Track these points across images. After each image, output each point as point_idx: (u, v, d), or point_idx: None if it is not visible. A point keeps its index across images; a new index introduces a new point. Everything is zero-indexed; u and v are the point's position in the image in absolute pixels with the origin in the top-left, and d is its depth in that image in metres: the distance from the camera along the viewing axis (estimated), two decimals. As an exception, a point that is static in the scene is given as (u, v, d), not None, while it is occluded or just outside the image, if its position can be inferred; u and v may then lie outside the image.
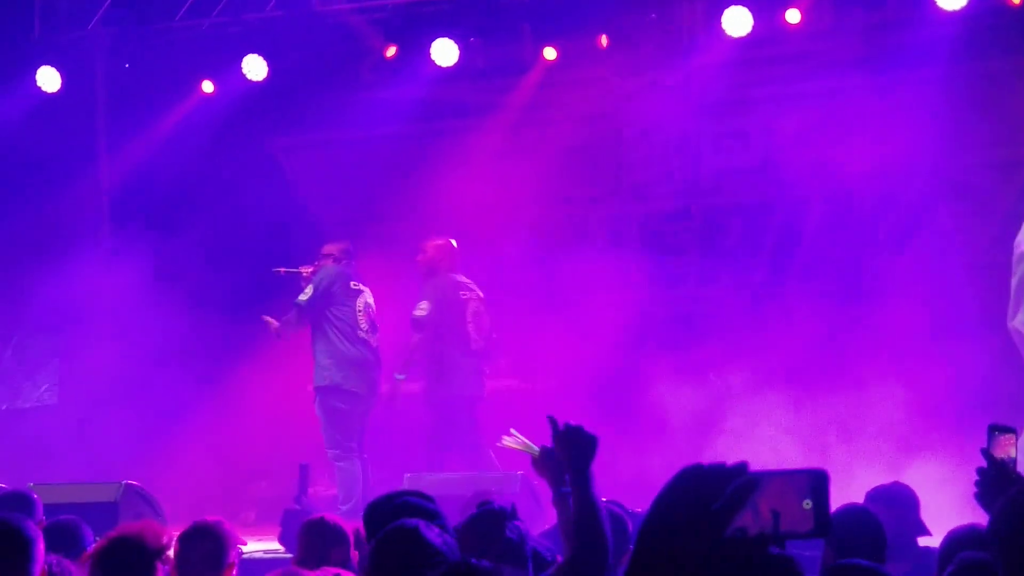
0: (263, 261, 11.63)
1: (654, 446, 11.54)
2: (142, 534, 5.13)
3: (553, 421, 4.63)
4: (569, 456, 4.57)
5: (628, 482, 9.61)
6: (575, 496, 4.57)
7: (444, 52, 13.46)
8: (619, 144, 14.01)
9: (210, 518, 6.22)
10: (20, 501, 7.13)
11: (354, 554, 6.44)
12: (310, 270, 11.53)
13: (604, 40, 13.43)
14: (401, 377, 11.71)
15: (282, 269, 11.62)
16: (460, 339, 11.69)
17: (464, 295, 11.84)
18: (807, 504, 1.97)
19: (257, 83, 13.80)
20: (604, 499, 4.75)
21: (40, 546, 3.93)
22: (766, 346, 12.27)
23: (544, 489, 5.12)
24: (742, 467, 1.98)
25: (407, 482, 9.96)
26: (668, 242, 13.76)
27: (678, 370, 12.44)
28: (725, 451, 10.98)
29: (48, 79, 14.04)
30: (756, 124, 13.47)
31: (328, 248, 11.73)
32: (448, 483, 10.02)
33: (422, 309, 11.60)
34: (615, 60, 13.63)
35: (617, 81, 13.72)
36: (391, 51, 13.86)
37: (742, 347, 12.46)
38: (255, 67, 13.74)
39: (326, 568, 5.91)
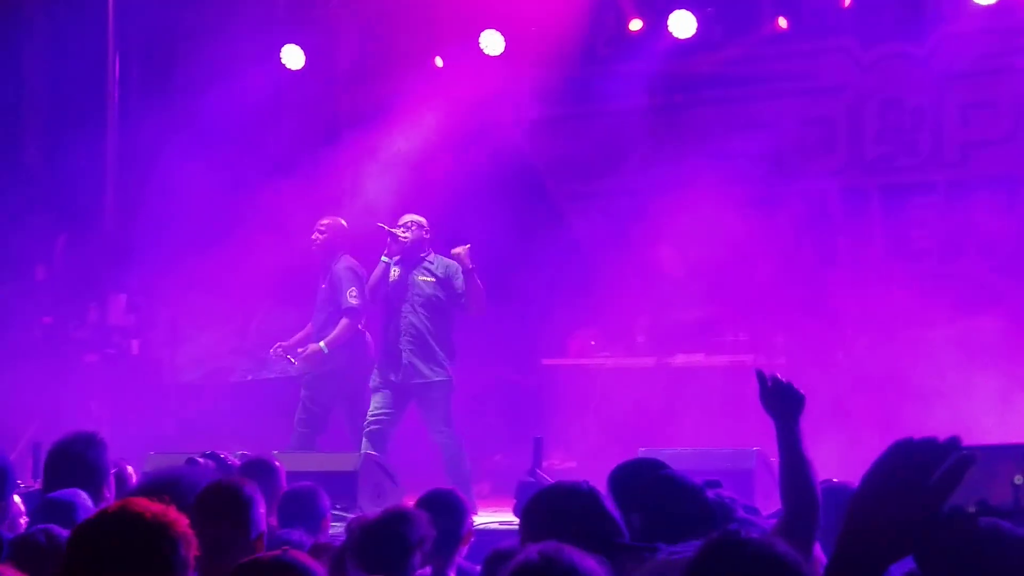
0: (497, 240, 11.64)
1: (894, 417, 11.31)
2: (401, 525, 5.17)
3: (761, 376, 4.63)
4: (776, 411, 4.57)
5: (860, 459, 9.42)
6: (782, 452, 4.55)
7: (682, 24, 13.37)
8: (859, 115, 13.71)
9: (444, 488, 6.30)
10: (262, 468, 7.31)
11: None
12: (408, 236, 11.29)
13: (847, 1, 13.16)
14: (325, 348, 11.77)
15: (386, 226, 11.47)
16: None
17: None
18: (1018, 479, 1.91)
19: (493, 57, 13.91)
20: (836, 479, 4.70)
21: (259, 509, 3.99)
22: (1013, 324, 11.90)
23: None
24: (955, 441, 1.92)
25: (642, 456, 9.93)
26: (911, 216, 13.43)
27: (921, 347, 12.17)
28: (990, 428, 10.60)
29: (292, 56, 14.37)
30: (1005, 94, 13.04)
31: (423, 221, 11.47)
32: (682, 457, 9.96)
33: (354, 296, 11.56)
34: (856, 29, 13.36)
35: (858, 50, 13.45)
36: (636, 24, 13.80)
37: (989, 325, 12.10)
38: (492, 42, 13.85)
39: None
